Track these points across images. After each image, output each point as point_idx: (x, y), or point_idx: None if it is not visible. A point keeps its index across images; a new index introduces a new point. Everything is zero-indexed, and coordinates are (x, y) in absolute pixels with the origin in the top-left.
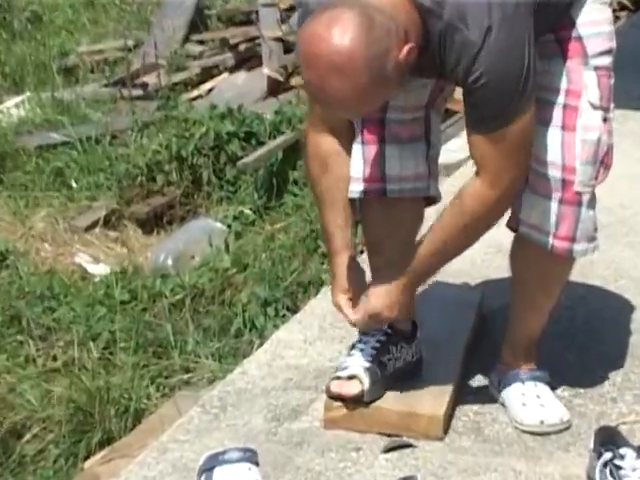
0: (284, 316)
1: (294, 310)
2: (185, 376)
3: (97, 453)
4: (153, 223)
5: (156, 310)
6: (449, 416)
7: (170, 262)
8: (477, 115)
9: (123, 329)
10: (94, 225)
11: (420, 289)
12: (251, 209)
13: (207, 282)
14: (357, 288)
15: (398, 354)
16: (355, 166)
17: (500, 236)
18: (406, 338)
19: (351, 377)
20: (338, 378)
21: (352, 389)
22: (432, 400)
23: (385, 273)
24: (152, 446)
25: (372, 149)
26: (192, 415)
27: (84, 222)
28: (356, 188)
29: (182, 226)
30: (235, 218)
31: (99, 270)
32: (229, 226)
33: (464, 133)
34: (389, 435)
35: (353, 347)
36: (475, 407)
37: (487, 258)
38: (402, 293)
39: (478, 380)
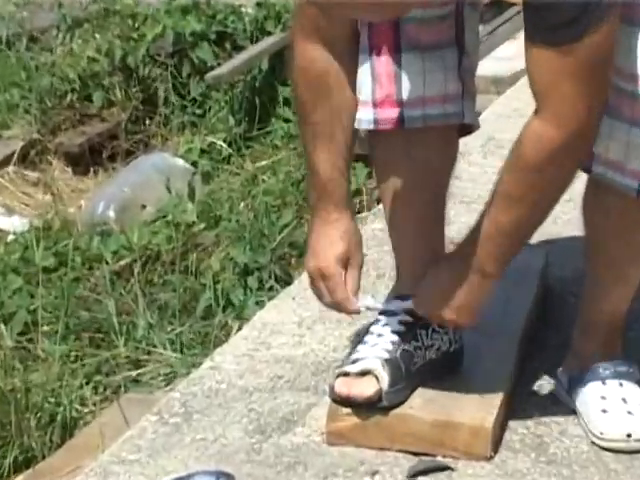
0: (271, 289)
1: (285, 281)
2: (134, 372)
3: (12, 478)
4: (89, 160)
5: (93, 281)
6: (500, 428)
7: (112, 214)
8: (539, 19)
9: (47, 307)
10: (5, 162)
11: None
12: (225, 140)
13: (164, 242)
14: (357, 262)
15: (430, 341)
16: (362, 86)
17: None
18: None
19: (364, 373)
20: (346, 374)
21: (365, 389)
22: (477, 406)
23: (444, 266)
24: (88, 469)
25: (383, 62)
26: (144, 426)
27: None
28: (364, 116)
29: (129, 164)
30: (203, 152)
31: (13, 225)
32: (194, 164)
33: (521, 35)
34: (416, 454)
35: (367, 331)
36: (537, 415)
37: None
38: (471, 292)
39: (541, 378)
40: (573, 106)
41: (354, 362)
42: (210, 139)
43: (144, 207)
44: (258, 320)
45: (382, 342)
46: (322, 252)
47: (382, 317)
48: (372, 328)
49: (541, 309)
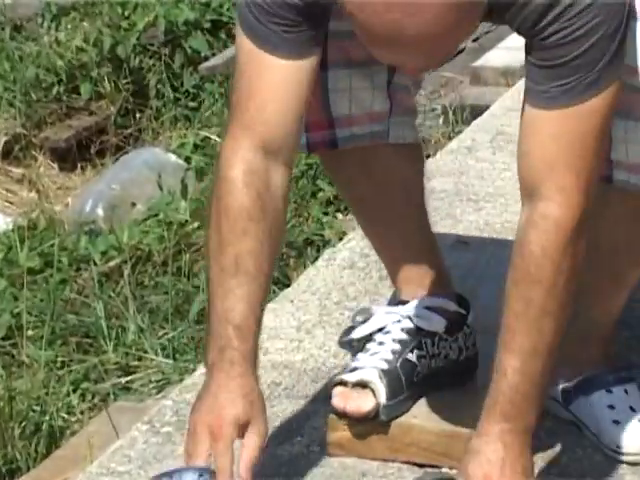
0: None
1: (283, 283)
2: (123, 379)
3: None
4: (76, 155)
5: (81, 283)
6: None
7: (101, 212)
8: (549, 78)
9: (32, 310)
10: None
11: (475, 256)
12: (220, 135)
13: (155, 242)
14: (259, 430)
15: (436, 350)
16: None
17: None
18: (449, 328)
19: (361, 384)
20: (343, 383)
21: (362, 404)
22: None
23: (487, 444)
24: None
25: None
26: (134, 436)
27: None
28: None
29: (118, 160)
30: (197, 148)
31: None
32: (187, 160)
33: None
34: (421, 466)
35: (368, 338)
36: (548, 424)
37: None
38: (527, 455)
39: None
40: (582, 174)
41: (352, 370)
42: (204, 133)
43: (134, 205)
44: None
45: (383, 351)
46: (217, 408)
47: (386, 323)
48: (374, 335)
49: None
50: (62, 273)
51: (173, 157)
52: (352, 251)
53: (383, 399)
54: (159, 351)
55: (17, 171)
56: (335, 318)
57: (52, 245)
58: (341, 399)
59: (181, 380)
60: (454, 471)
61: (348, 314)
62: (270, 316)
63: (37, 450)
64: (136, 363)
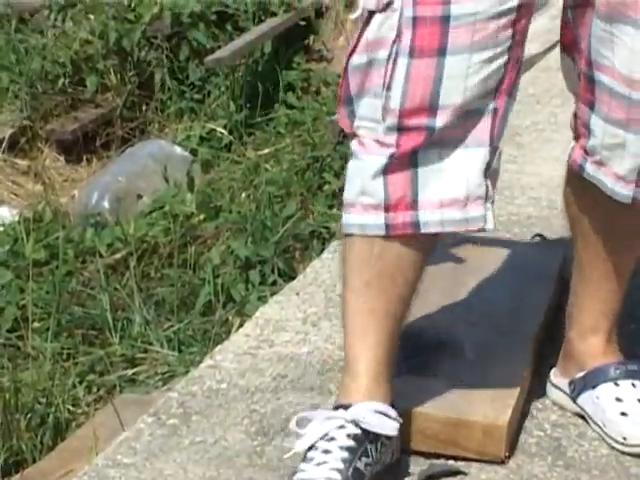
0: (274, 284)
1: (289, 276)
2: (129, 371)
3: None
4: (82, 148)
5: (87, 275)
6: (515, 428)
7: (107, 205)
8: None
9: (38, 302)
10: None
11: (474, 250)
12: (226, 127)
13: (161, 234)
14: None
15: (378, 456)
16: (368, 187)
17: None
18: (389, 435)
19: None
20: None
21: None
22: (491, 404)
23: None
24: (82, 472)
25: (397, 161)
26: (140, 428)
27: None
28: (371, 221)
29: (124, 152)
30: (202, 140)
31: (2, 216)
32: (193, 152)
33: (538, 16)
34: (427, 455)
35: (311, 447)
36: (554, 417)
37: None
38: None
39: None
40: None
41: None
42: (210, 126)
43: (140, 197)
44: (260, 316)
45: (331, 460)
46: None
47: (325, 428)
48: (317, 443)
49: (558, 307)
50: (68, 265)
51: (179, 149)
52: None
53: None
54: (165, 343)
55: (23, 163)
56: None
57: (58, 237)
58: None
59: (187, 372)
60: (460, 463)
61: None
62: (276, 308)
63: (43, 442)
64: (142, 355)
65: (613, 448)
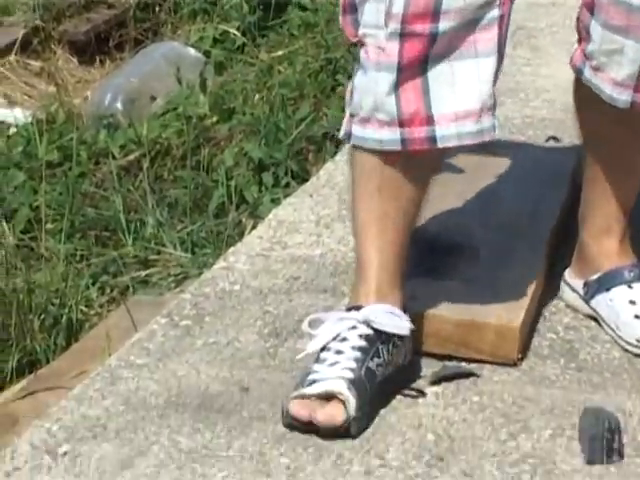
0: (287, 186)
1: (302, 178)
2: (142, 273)
3: (14, 383)
4: (95, 49)
5: (100, 176)
6: (528, 331)
7: (120, 106)
8: None
9: (51, 204)
10: (7, 51)
11: (488, 154)
12: (239, 28)
13: (174, 136)
14: None
15: (390, 357)
16: (381, 103)
17: None
18: (400, 334)
19: (327, 396)
20: (303, 397)
21: (333, 416)
22: (504, 306)
23: None
24: (95, 373)
25: (408, 74)
26: (153, 329)
27: None
28: (387, 136)
29: (137, 53)
30: (216, 42)
31: (15, 117)
32: (207, 53)
33: None
34: (439, 357)
35: (323, 348)
36: (566, 319)
37: None
38: None
39: None
40: None
41: (312, 383)
42: (223, 27)
43: (153, 99)
44: (273, 218)
45: (343, 360)
46: None
47: (340, 330)
48: (330, 343)
49: (572, 209)
50: (81, 167)
51: (192, 51)
52: None
53: (353, 411)
54: (178, 245)
55: (35, 64)
56: None
57: (71, 139)
58: (303, 408)
59: (200, 274)
60: (472, 365)
61: None
62: (289, 210)
63: (56, 343)
64: (155, 257)
65: (626, 350)
